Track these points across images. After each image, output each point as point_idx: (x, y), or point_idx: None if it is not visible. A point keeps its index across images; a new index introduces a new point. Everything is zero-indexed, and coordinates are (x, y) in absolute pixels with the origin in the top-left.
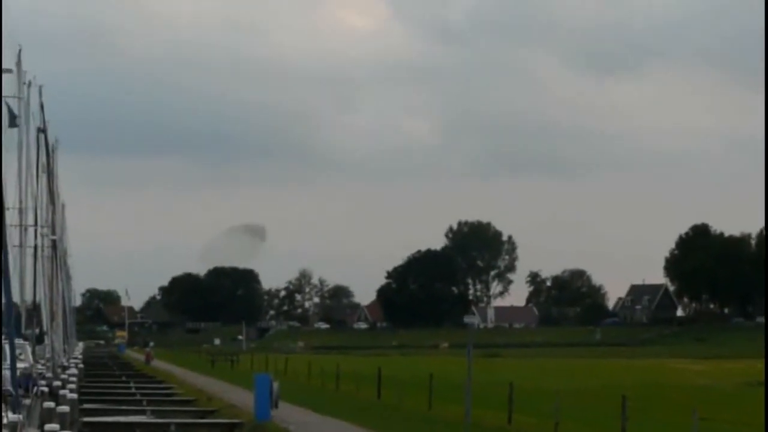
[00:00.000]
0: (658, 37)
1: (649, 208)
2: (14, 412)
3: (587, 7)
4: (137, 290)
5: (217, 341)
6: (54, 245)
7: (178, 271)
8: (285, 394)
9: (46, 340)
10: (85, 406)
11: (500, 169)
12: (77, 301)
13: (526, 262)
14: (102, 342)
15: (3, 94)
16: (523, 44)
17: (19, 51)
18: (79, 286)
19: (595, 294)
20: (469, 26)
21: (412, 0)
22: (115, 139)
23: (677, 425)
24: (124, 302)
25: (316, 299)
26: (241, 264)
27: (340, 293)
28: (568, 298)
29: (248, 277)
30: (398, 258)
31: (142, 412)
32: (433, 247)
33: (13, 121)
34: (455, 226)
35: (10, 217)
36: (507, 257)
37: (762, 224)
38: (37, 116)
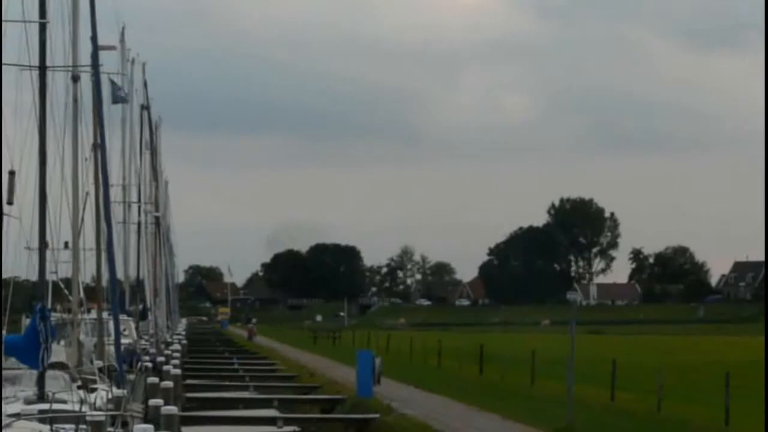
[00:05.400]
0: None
1: (753, 184)
2: (119, 387)
3: None
4: (240, 267)
5: (318, 318)
6: (157, 222)
7: (281, 248)
8: (387, 371)
9: (150, 317)
10: (189, 381)
11: (602, 146)
12: (180, 278)
13: (629, 239)
14: (205, 318)
15: (107, 71)
16: (624, 20)
17: (123, 28)
18: (182, 263)
19: (698, 271)
20: (571, 2)
21: None
22: (218, 116)
23: None
24: (227, 279)
25: (418, 276)
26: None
27: (441, 270)
28: (671, 275)
29: (350, 254)
30: (500, 235)
31: (245, 388)
32: (535, 224)
33: (119, 98)
34: (557, 203)
35: (114, 194)
36: (609, 234)
37: None
38: (140, 93)
